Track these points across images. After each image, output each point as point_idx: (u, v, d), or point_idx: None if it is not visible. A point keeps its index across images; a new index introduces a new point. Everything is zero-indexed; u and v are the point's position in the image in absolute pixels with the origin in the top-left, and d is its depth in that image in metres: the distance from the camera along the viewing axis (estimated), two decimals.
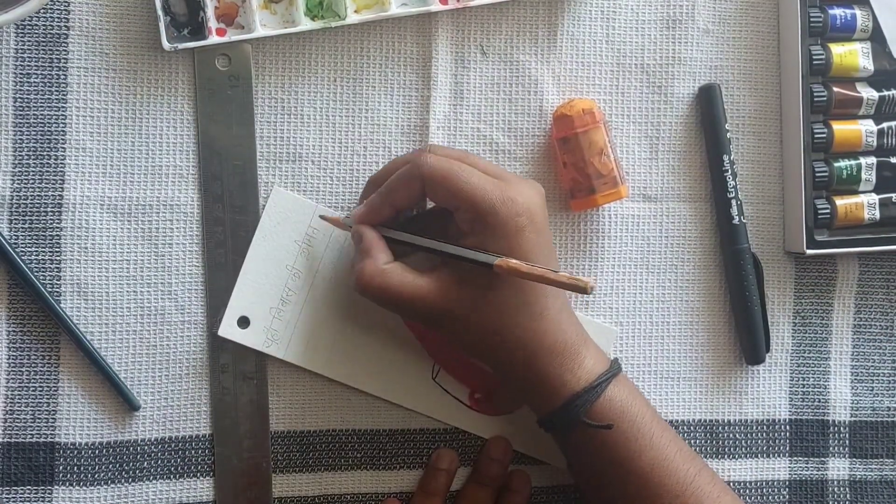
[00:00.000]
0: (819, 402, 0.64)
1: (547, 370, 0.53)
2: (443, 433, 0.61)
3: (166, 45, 0.55)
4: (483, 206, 0.51)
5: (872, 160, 0.62)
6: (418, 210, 0.57)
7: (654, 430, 0.53)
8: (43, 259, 0.56)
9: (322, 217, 0.58)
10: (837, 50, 0.62)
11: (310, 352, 0.58)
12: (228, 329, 0.57)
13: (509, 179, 0.53)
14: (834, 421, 0.64)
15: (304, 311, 0.58)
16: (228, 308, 0.57)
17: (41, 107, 0.56)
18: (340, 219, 0.57)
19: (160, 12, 0.55)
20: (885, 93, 0.62)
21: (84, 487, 0.56)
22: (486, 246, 0.51)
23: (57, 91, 0.56)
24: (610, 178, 0.59)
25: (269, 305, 0.58)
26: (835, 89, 0.62)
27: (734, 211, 0.61)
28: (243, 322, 0.58)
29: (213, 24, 0.56)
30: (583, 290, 0.49)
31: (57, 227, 0.56)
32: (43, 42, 0.56)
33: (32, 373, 0.56)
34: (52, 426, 0.56)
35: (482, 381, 0.60)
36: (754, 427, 0.64)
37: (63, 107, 0.56)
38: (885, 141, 0.62)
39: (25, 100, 0.56)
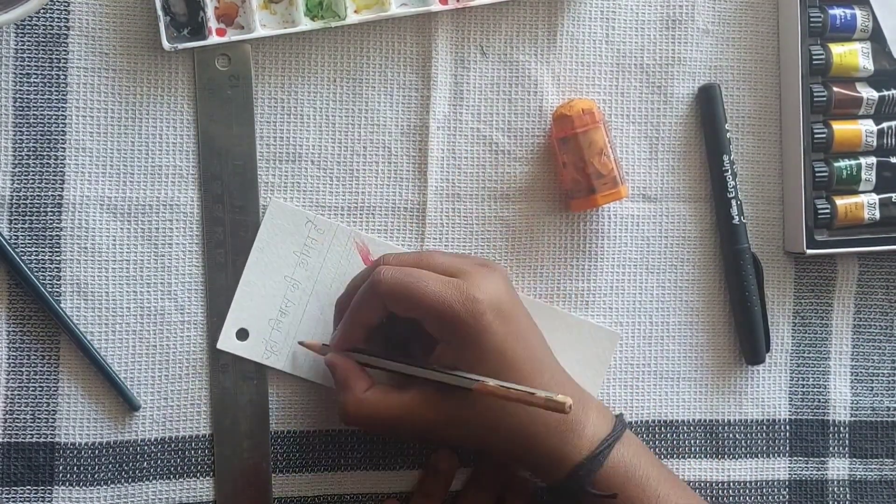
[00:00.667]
0: (819, 402, 0.64)
1: (546, 447, 0.52)
2: None
3: (166, 45, 0.55)
4: (444, 315, 0.50)
5: (872, 160, 0.62)
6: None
7: (660, 490, 0.53)
8: (43, 259, 0.56)
9: (301, 343, 0.58)
10: (837, 50, 0.62)
11: (309, 362, 0.58)
12: (227, 342, 0.58)
13: (468, 272, 0.52)
14: (834, 421, 0.64)
15: (303, 323, 0.58)
16: (227, 320, 0.58)
17: (41, 107, 0.56)
18: (320, 345, 0.57)
19: (160, 12, 0.55)
20: (885, 93, 0.62)
21: (84, 487, 0.56)
22: (457, 352, 0.51)
23: (57, 91, 0.56)
24: (610, 178, 0.59)
25: (268, 317, 0.58)
26: (835, 89, 0.62)
27: (734, 211, 0.61)
28: (242, 334, 0.58)
29: (213, 24, 0.56)
30: (560, 409, 0.48)
31: (57, 227, 0.56)
32: (43, 42, 0.56)
33: (32, 373, 0.56)
34: (51, 426, 0.56)
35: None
36: (754, 427, 0.64)
37: (63, 107, 0.56)
38: (885, 141, 0.62)
39: (25, 100, 0.56)
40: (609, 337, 0.62)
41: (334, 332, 0.56)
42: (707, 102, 0.62)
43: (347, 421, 0.53)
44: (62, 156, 0.57)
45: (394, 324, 0.55)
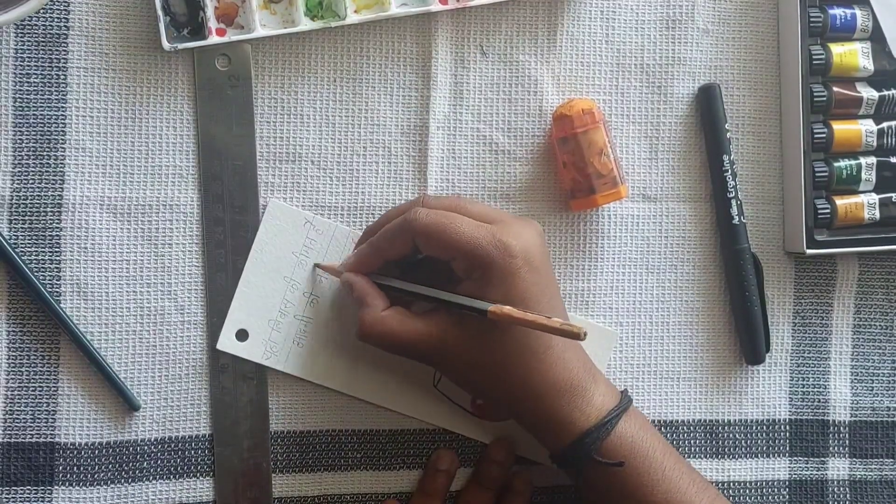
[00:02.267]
0: (819, 402, 0.64)
1: (554, 409, 0.52)
2: (442, 434, 0.61)
3: (166, 45, 0.55)
4: (476, 254, 0.51)
5: (872, 160, 0.62)
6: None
7: (665, 463, 0.53)
8: (43, 259, 0.56)
9: (317, 265, 0.58)
10: (837, 50, 0.62)
11: (309, 363, 0.58)
12: (227, 342, 0.57)
13: (504, 221, 0.53)
14: (834, 421, 0.64)
15: (302, 323, 0.58)
16: (226, 321, 0.58)
17: (41, 107, 0.56)
18: (337, 266, 0.57)
19: (160, 12, 0.55)
20: (885, 93, 0.62)
21: (84, 487, 0.56)
22: (483, 291, 0.52)
23: (57, 91, 0.56)
24: (610, 178, 0.59)
25: (267, 318, 0.58)
26: (835, 89, 0.62)
27: (734, 211, 0.61)
28: (242, 335, 0.58)
29: (212, 24, 0.56)
30: (576, 336, 0.49)
31: (57, 227, 0.56)
32: (43, 42, 0.56)
33: (32, 373, 0.56)
34: (51, 426, 0.56)
35: None
36: (754, 427, 0.64)
37: (63, 107, 0.56)
38: (885, 141, 0.62)
39: (25, 100, 0.56)
40: (607, 336, 0.62)
41: (350, 256, 0.56)
42: (707, 102, 0.62)
43: (364, 335, 0.54)
44: (62, 156, 0.57)
45: (407, 265, 0.55)
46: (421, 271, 0.56)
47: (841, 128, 0.62)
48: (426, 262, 0.55)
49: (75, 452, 0.56)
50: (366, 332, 0.53)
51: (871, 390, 0.65)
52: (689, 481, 0.53)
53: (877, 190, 0.63)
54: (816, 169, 0.62)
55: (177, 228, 0.58)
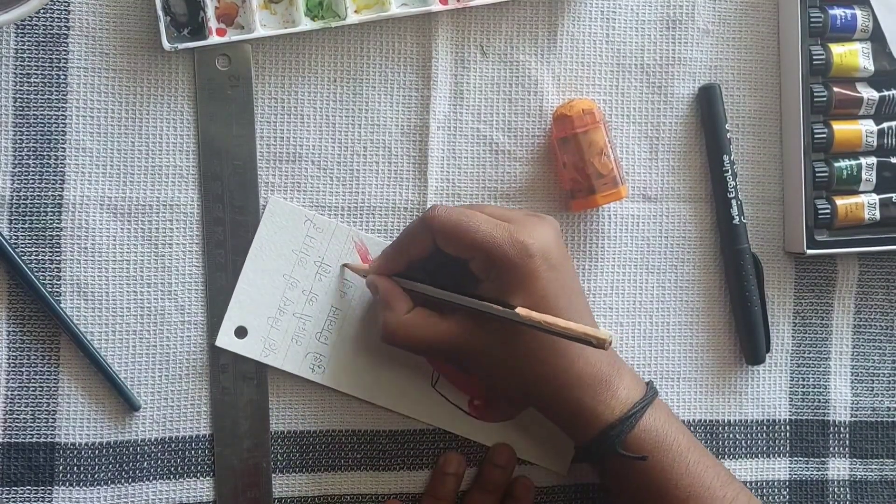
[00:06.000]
0: (819, 402, 0.64)
1: (578, 402, 0.52)
2: (443, 434, 0.61)
3: (166, 45, 0.55)
4: (494, 253, 0.51)
5: (872, 160, 0.62)
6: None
7: (689, 457, 0.53)
8: (43, 259, 0.56)
9: (345, 265, 0.58)
10: (837, 50, 0.62)
11: (308, 361, 0.58)
12: (226, 339, 0.57)
13: (520, 221, 0.53)
14: (834, 421, 0.64)
15: (301, 321, 0.58)
16: (226, 318, 0.57)
17: (41, 107, 0.56)
18: (364, 268, 0.58)
19: (160, 12, 0.55)
20: (885, 93, 0.62)
21: (84, 487, 0.56)
22: (503, 291, 0.52)
23: (57, 91, 0.56)
24: (610, 178, 0.59)
25: (266, 315, 0.58)
26: (835, 89, 0.62)
27: (734, 211, 0.61)
28: (241, 332, 0.58)
29: (213, 24, 0.56)
30: (599, 344, 0.49)
31: (57, 227, 0.56)
32: (43, 42, 0.56)
33: (32, 373, 0.56)
34: (52, 426, 0.56)
35: (481, 388, 0.60)
36: (754, 427, 0.64)
37: (63, 107, 0.56)
38: (886, 141, 0.62)
39: (25, 100, 0.56)
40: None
41: (376, 258, 0.57)
42: (707, 102, 0.62)
43: (388, 339, 0.54)
44: (62, 156, 0.57)
45: (433, 265, 0.55)
46: (446, 272, 0.55)
47: (841, 128, 0.62)
48: (450, 263, 0.55)
49: (75, 452, 0.56)
50: (389, 334, 0.54)
51: (872, 390, 0.65)
52: (714, 475, 0.53)
53: (877, 190, 0.63)
54: (817, 169, 0.62)
55: (177, 228, 0.58)
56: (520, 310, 0.50)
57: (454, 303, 0.53)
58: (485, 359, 0.53)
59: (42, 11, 0.56)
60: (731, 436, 0.63)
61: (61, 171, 0.56)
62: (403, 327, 0.53)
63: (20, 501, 0.56)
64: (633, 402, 0.53)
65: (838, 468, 0.64)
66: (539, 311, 0.51)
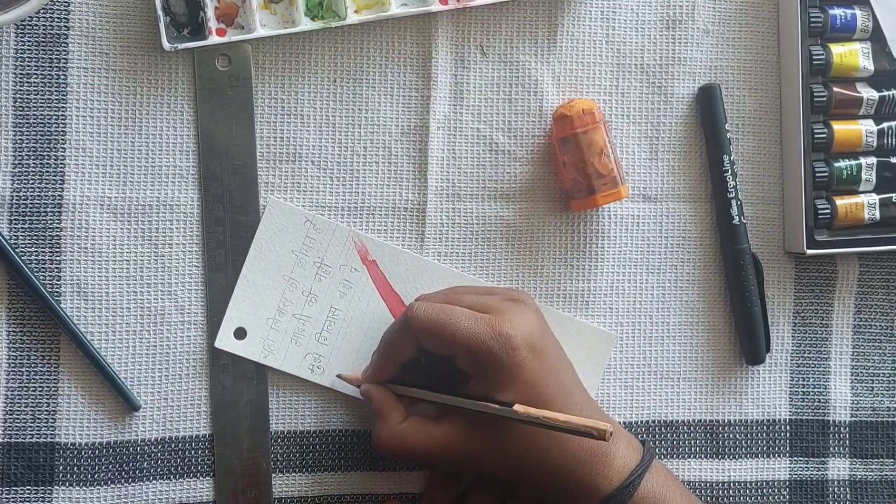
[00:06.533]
0: (819, 402, 0.64)
1: (576, 478, 0.52)
2: None
3: (166, 45, 0.55)
4: (478, 350, 0.51)
5: (872, 160, 0.62)
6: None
7: None
8: (43, 259, 0.56)
9: (339, 376, 0.58)
10: (837, 50, 0.62)
11: (307, 362, 0.58)
12: (225, 340, 0.58)
13: (500, 310, 0.53)
14: (834, 421, 0.64)
15: (300, 321, 0.58)
16: (225, 319, 0.58)
17: (41, 107, 0.56)
18: (358, 377, 0.57)
19: (160, 12, 0.55)
20: (885, 93, 0.62)
21: (84, 487, 0.56)
22: (491, 385, 0.52)
23: (57, 91, 0.56)
24: (610, 178, 0.59)
25: (265, 316, 0.58)
26: (835, 89, 0.62)
27: (734, 211, 0.61)
28: (240, 333, 0.58)
29: (213, 24, 0.56)
30: (600, 436, 0.49)
31: (57, 227, 0.56)
32: (43, 42, 0.56)
33: (32, 373, 0.56)
34: (52, 426, 0.56)
35: None
36: (754, 427, 0.63)
37: (63, 107, 0.56)
38: (886, 141, 0.62)
39: (25, 100, 0.56)
40: (606, 339, 0.61)
41: (368, 366, 0.57)
42: (707, 102, 0.62)
43: (380, 451, 0.54)
44: (62, 156, 0.57)
45: (430, 357, 0.55)
46: (440, 363, 0.55)
47: (841, 128, 0.62)
48: (442, 356, 0.54)
49: (75, 452, 0.56)
50: (382, 446, 0.54)
51: (872, 390, 0.65)
52: None
53: (877, 190, 0.63)
54: (816, 169, 0.62)
55: (177, 228, 0.58)
56: (518, 407, 0.50)
57: (453, 407, 0.53)
58: (483, 461, 0.53)
59: (42, 11, 0.56)
60: (731, 436, 0.63)
61: (61, 171, 0.57)
62: (395, 438, 0.53)
63: (20, 501, 0.56)
64: (630, 470, 0.53)
65: (838, 468, 0.64)
66: (529, 401, 0.51)
